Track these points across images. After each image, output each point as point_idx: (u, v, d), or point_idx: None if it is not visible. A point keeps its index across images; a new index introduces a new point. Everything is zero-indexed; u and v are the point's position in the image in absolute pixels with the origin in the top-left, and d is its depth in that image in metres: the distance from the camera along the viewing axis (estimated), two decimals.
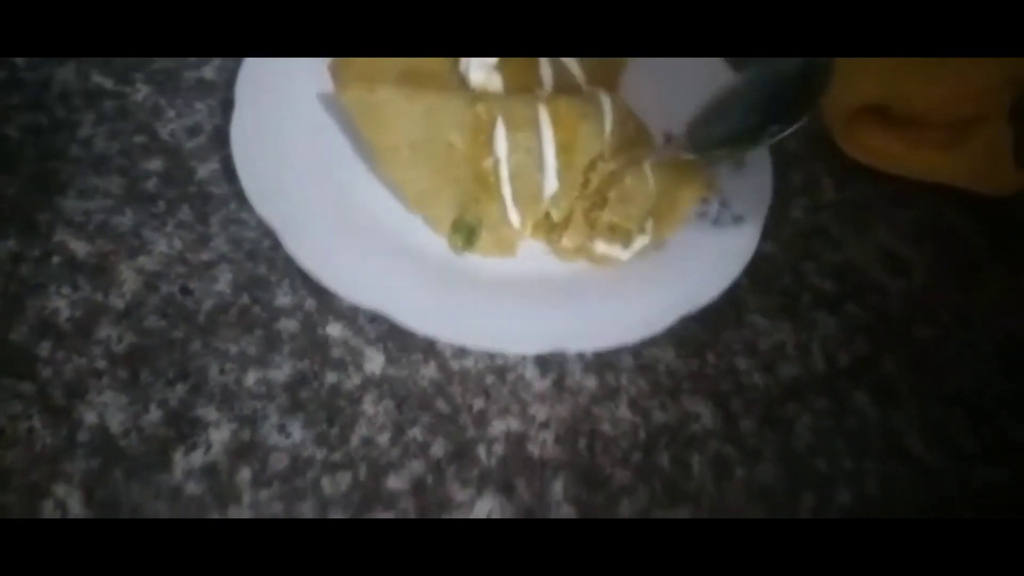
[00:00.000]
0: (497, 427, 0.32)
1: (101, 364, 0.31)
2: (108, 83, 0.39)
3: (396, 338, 0.33)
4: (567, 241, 0.36)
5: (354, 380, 0.33)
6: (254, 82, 0.36)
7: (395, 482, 0.31)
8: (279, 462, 0.30)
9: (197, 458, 0.30)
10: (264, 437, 0.31)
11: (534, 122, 0.35)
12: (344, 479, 0.30)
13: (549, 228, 0.36)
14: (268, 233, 0.34)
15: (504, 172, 0.35)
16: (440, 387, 0.33)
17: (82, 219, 0.35)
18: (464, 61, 0.38)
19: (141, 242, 0.34)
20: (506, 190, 0.35)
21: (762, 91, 0.36)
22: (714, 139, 0.36)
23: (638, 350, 0.35)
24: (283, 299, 0.34)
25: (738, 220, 0.37)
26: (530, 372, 0.34)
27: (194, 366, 0.32)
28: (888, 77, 0.39)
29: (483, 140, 0.35)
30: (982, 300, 0.39)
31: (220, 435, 0.31)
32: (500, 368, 0.34)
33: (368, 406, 0.32)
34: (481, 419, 0.32)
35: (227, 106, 0.37)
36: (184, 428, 0.30)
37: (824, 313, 0.37)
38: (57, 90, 0.38)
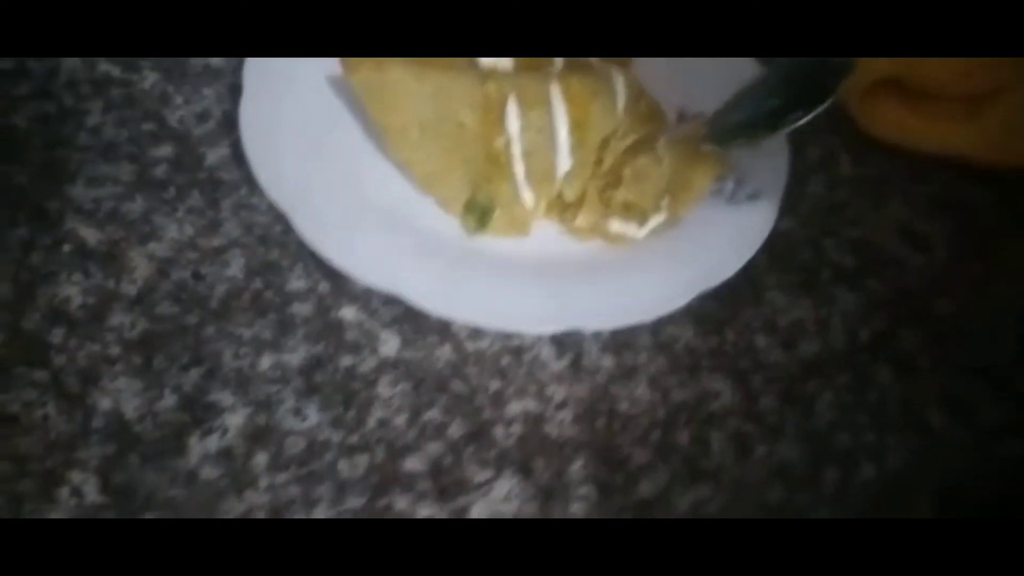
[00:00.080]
0: (514, 408, 0.32)
1: (115, 351, 0.31)
2: (115, 71, 0.38)
3: (411, 320, 0.33)
4: (581, 220, 0.35)
5: (369, 363, 0.32)
6: (261, 67, 0.36)
7: (413, 464, 0.30)
8: (295, 446, 0.30)
9: (213, 443, 0.30)
10: (280, 421, 0.31)
11: (546, 100, 0.34)
12: (361, 461, 0.30)
13: (563, 207, 0.36)
14: (279, 217, 0.34)
15: (516, 151, 0.34)
16: (456, 368, 0.33)
17: (92, 207, 0.34)
18: None
19: (152, 228, 0.34)
20: (518, 169, 0.35)
21: (781, 76, 0.36)
22: (733, 127, 0.35)
23: (656, 328, 0.34)
24: (296, 283, 0.34)
25: (754, 197, 0.37)
26: (546, 352, 0.33)
27: (208, 351, 0.32)
28: None
29: (494, 119, 0.34)
30: (1002, 273, 0.39)
31: (235, 419, 0.30)
32: (516, 349, 0.33)
33: (384, 388, 0.32)
34: (498, 400, 0.32)
35: (235, 91, 0.36)
36: (199, 413, 0.30)
37: (843, 289, 0.37)
38: (64, 79, 0.38)
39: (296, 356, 0.32)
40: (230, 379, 0.31)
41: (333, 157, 0.35)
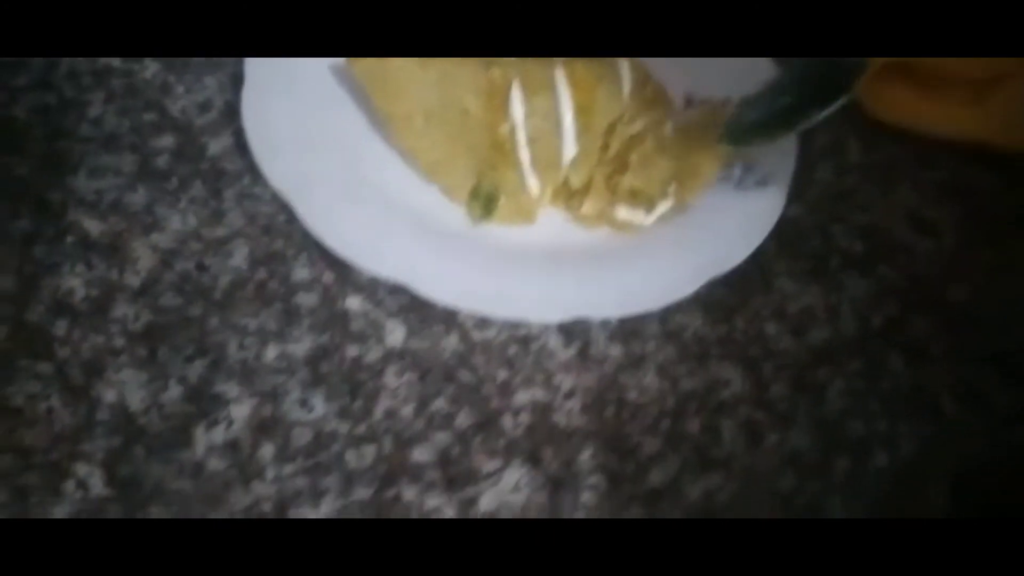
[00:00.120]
0: (522, 397, 0.32)
1: (119, 342, 0.31)
2: (116, 61, 0.38)
3: (417, 310, 0.33)
4: (588, 207, 0.35)
5: (376, 353, 0.32)
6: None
7: (420, 454, 0.30)
8: (302, 437, 0.30)
9: (219, 434, 0.29)
10: (286, 412, 0.30)
11: (551, 85, 0.34)
12: (369, 452, 0.30)
13: (569, 194, 0.35)
14: (283, 207, 0.34)
15: (521, 137, 0.34)
16: (463, 358, 0.32)
17: (94, 198, 0.34)
18: None
19: (154, 219, 0.34)
20: (524, 156, 0.34)
21: (796, 75, 0.35)
22: (748, 127, 0.35)
23: (664, 317, 0.34)
24: (301, 273, 0.33)
25: (762, 183, 0.36)
26: (554, 341, 0.33)
27: (213, 342, 0.31)
28: None
29: (499, 105, 0.34)
30: (1012, 259, 0.38)
31: (241, 411, 0.30)
32: (523, 338, 0.33)
33: (391, 378, 0.31)
34: (505, 389, 0.32)
35: (237, 81, 0.36)
36: (205, 404, 0.30)
37: (853, 275, 0.36)
38: (65, 69, 0.37)
39: (302, 346, 0.32)
40: (235, 370, 0.31)
41: (337, 146, 0.35)
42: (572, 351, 0.33)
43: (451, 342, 0.33)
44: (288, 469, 0.29)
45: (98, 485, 0.28)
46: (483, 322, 0.33)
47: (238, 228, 0.34)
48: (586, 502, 0.30)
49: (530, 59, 0.35)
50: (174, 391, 0.30)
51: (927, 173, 0.41)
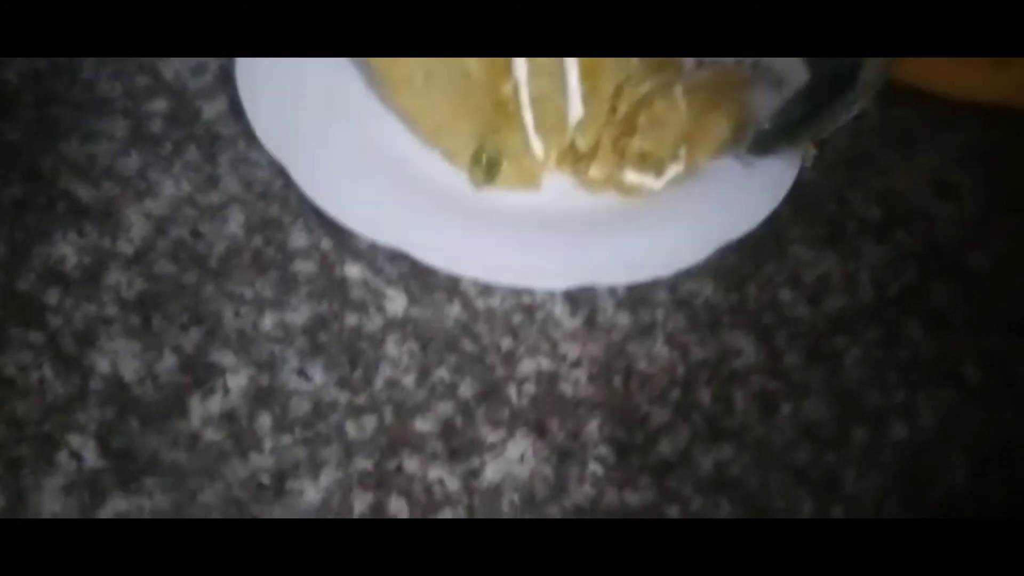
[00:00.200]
0: (527, 366, 0.31)
1: (112, 311, 0.30)
2: None
3: (418, 277, 0.32)
4: (595, 171, 0.34)
5: (376, 322, 0.31)
6: None
7: (423, 424, 0.29)
8: (300, 407, 0.29)
9: (215, 404, 0.29)
10: (284, 381, 0.29)
11: None
12: (369, 422, 0.29)
13: (575, 158, 0.34)
14: (279, 172, 0.33)
15: (524, 98, 0.33)
16: (466, 327, 0.31)
17: (86, 164, 0.33)
18: None
19: (148, 185, 0.33)
20: (527, 117, 0.33)
21: (820, 79, 0.34)
22: (774, 135, 0.34)
23: (674, 284, 0.33)
24: (298, 240, 0.32)
25: None
26: (559, 309, 0.32)
27: (208, 310, 0.30)
28: None
29: (501, 64, 0.33)
30: None
31: (237, 380, 0.29)
32: (528, 306, 0.32)
33: (391, 348, 0.31)
34: (510, 359, 0.31)
35: None
36: (200, 374, 0.29)
37: (871, 242, 0.35)
38: None
39: (299, 315, 0.31)
40: (231, 339, 0.30)
41: (334, 109, 0.34)
42: (579, 319, 0.32)
43: (453, 310, 0.32)
44: (286, 440, 0.28)
45: (92, 456, 0.27)
46: (486, 290, 0.32)
47: (233, 194, 0.33)
48: (593, 473, 0.29)
49: None
50: (169, 360, 0.29)
51: (948, 136, 0.39)
